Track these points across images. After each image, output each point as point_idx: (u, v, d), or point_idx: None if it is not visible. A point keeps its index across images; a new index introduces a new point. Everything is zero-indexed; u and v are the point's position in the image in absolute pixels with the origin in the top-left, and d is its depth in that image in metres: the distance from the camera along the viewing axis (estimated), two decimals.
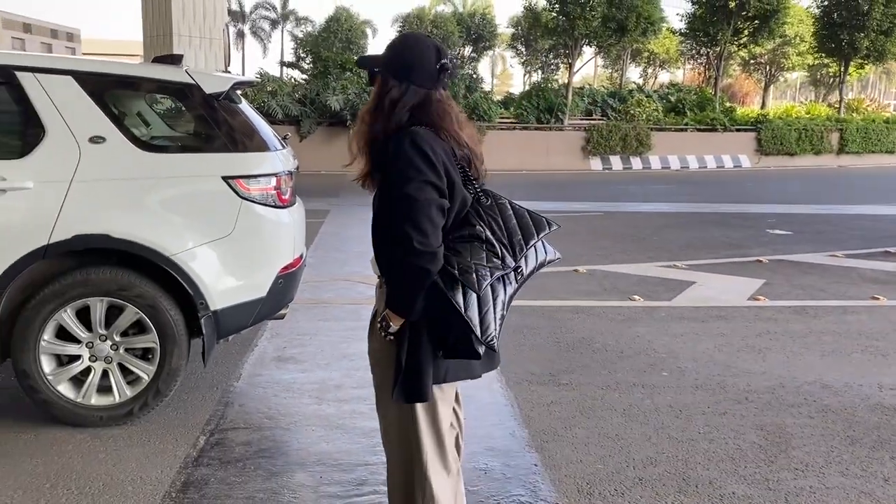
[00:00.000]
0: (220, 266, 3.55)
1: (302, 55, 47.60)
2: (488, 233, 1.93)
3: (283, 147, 4.03)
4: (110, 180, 3.46)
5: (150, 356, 3.53)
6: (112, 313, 3.48)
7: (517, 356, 4.64)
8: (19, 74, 3.41)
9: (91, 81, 3.51)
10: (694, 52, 35.27)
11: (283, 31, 59.72)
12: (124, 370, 3.53)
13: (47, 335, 3.40)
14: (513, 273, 1.95)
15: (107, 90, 3.57)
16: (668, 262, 7.76)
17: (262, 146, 3.79)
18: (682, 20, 28.17)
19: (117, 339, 3.49)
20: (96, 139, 3.42)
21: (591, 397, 4.01)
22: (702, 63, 35.92)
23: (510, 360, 4.46)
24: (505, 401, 3.95)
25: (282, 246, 3.79)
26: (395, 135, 1.92)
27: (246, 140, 3.74)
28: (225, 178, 3.56)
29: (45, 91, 3.41)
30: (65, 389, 3.47)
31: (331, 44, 38.69)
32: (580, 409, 3.86)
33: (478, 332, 1.87)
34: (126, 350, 3.52)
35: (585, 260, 7.72)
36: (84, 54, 42.62)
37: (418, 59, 1.97)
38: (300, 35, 52.99)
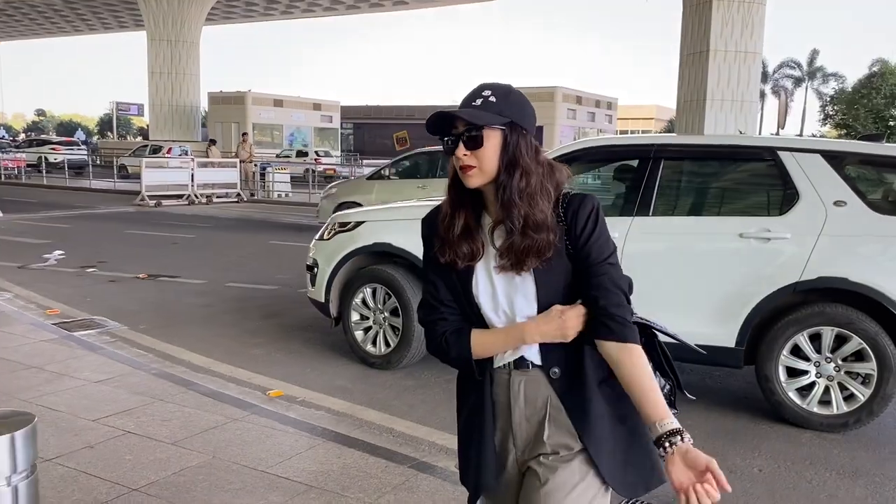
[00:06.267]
0: None
1: (831, 113, 45.09)
2: None
3: None
4: (850, 236, 4.35)
5: (867, 381, 4.28)
6: (838, 341, 4.34)
7: None
8: (780, 154, 4.56)
9: (834, 157, 4.48)
10: None
11: (807, 89, 57.60)
12: (843, 388, 4.35)
13: (786, 351, 4.42)
14: None
15: (846, 164, 4.50)
16: None
17: None
18: None
19: (840, 362, 4.33)
20: (839, 203, 4.36)
21: None
22: None
23: None
24: None
25: None
26: (580, 195, 1.73)
27: None
28: None
29: (799, 166, 4.49)
30: (794, 396, 4.44)
31: (872, 99, 35.95)
32: None
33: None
34: (846, 373, 4.33)
35: None
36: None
37: None
38: (830, 92, 50.42)
